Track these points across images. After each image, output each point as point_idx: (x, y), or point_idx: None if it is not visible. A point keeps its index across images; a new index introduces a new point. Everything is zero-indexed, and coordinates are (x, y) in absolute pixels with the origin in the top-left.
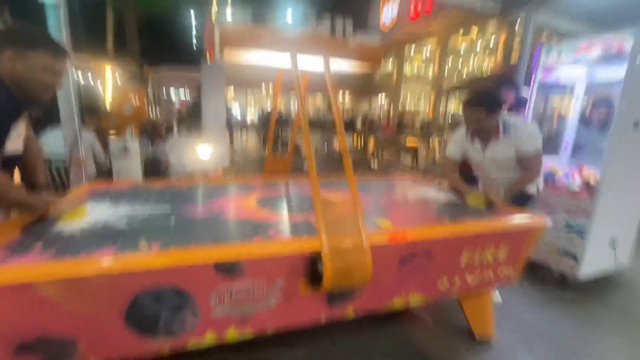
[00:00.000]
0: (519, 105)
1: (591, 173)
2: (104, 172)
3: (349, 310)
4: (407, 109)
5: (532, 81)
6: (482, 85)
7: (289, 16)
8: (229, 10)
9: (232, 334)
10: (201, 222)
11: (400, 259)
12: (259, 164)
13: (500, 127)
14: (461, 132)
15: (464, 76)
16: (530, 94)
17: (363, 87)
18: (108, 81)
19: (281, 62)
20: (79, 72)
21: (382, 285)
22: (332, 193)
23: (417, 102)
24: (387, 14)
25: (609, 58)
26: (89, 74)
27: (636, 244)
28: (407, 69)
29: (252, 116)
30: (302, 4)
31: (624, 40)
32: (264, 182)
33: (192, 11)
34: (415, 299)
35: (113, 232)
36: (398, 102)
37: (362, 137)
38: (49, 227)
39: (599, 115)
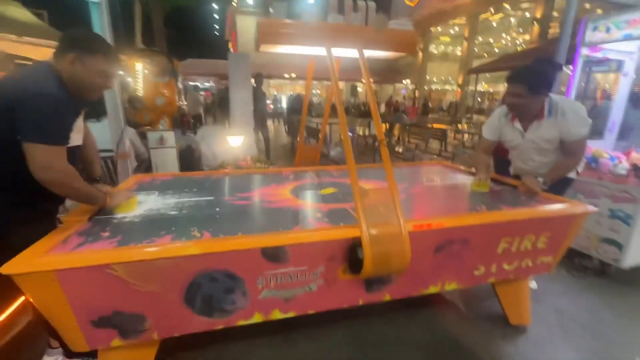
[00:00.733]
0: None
1: None
2: (144, 163)
3: (385, 296)
4: (433, 89)
5: (575, 59)
6: (521, 62)
7: None
8: None
9: (277, 315)
10: (243, 211)
11: (437, 246)
12: (289, 152)
13: (546, 107)
14: (500, 111)
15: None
16: (574, 72)
17: (387, 69)
18: (139, 76)
19: (313, 50)
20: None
21: (419, 272)
22: (361, 181)
23: (443, 83)
24: None
25: None
26: (122, 70)
27: None
28: (433, 48)
29: (271, 103)
30: None
31: None
32: (295, 171)
33: (213, 3)
34: (450, 285)
35: (167, 221)
36: (424, 84)
37: (387, 121)
38: (110, 216)
39: None
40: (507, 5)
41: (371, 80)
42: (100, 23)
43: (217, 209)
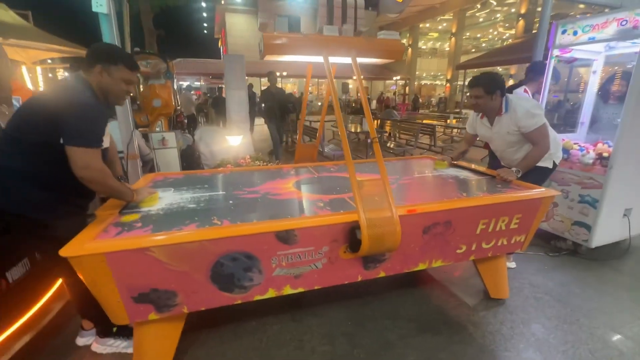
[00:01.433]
0: (539, 73)
1: (605, 147)
2: (148, 163)
3: (380, 272)
4: (423, 84)
5: (547, 58)
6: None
7: None
8: None
9: (288, 290)
10: (254, 203)
11: (424, 228)
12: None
13: (503, 104)
14: None
15: (482, 49)
16: (547, 70)
17: (377, 66)
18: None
19: (311, 58)
20: None
21: (409, 251)
22: (357, 174)
23: (434, 78)
24: None
25: (625, 32)
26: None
27: None
28: (422, 44)
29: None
30: None
31: None
32: (295, 167)
33: (201, 2)
34: (436, 263)
35: (188, 212)
36: (414, 80)
37: (378, 118)
38: (138, 210)
39: (617, 89)
40: (492, 1)
41: (362, 79)
42: (110, 33)
43: (231, 202)
